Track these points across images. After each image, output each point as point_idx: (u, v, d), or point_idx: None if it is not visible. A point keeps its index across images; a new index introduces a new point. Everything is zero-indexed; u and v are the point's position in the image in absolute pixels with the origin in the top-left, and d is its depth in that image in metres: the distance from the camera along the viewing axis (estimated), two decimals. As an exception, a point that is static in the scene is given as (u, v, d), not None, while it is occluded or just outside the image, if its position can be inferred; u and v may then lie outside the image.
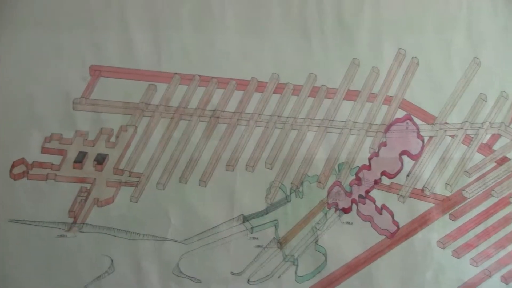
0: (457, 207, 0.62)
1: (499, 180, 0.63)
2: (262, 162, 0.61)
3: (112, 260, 0.60)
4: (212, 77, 0.62)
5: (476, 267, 0.63)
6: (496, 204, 0.63)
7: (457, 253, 0.62)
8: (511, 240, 0.63)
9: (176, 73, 0.61)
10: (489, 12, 0.63)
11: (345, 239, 0.62)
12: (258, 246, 0.61)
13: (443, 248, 0.62)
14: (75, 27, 0.61)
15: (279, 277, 0.61)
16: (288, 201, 0.61)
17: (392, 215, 0.62)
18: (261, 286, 0.62)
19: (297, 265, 0.61)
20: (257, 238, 0.61)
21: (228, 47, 0.62)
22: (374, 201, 0.62)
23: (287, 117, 0.62)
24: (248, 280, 0.61)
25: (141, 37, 0.62)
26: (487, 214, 0.63)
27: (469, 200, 0.63)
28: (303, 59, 0.62)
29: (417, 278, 0.62)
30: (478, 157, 0.63)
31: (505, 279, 0.63)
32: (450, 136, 0.63)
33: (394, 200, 0.62)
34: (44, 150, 0.60)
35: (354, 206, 0.62)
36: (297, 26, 0.62)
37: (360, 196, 0.62)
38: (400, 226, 0.62)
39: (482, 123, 0.63)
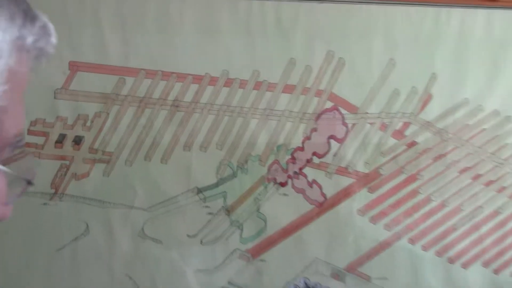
0: (374, 182, 0.82)
1: (408, 160, 0.83)
2: (213, 144, 0.81)
3: (87, 225, 0.79)
4: (172, 73, 0.80)
5: (389, 231, 0.83)
6: (406, 179, 0.83)
7: (374, 220, 0.83)
8: (417, 209, 0.83)
9: (142, 69, 0.80)
10: (403, 20, 0.83)
11: (282, 208, 0.82)
12: (210, 213, 0.81)
13: (362, 216, 0.83)
14: (55, 28, 0.79)
15: (226, 239, 0.81)
16: (235, 176, 0.81)
17: (321, 188, 0.82)
18: (212, 246, 0.81)
19: (241, 229, 0.81)
20: (209, 206, 0.81)
21: (186, 46, 0.81)
22: (306, 177, 0.82)
23: (235, 107, 0.81)
24: (201, 241, 0.81)
25: (113, 37, 0.80)
26: (399, 187, 0.83)
27: (384, 176, 0.83)
28: (249, 58, 0.81)
29: (341, 240, 0.82)
30: (392, 141, 0.83)
31: (411, 241, 0.83)
32: (369, 123, 0.83)
33: (322, 176, 0.82)
34: (30, 132, 0.78)
35: (289, 180, 0.81)
36: (244, 29, 0.81)
37: (295, 172, 0.82)
38: (327, 197, 0.82)
39: (396, 113, 0.83)
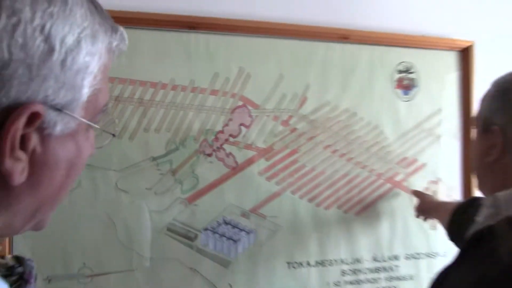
0: (269, 154, 1.36)
1: (291, 140, 1.38)
2: (164, 128, 1.30)
3: (80, 181, 1.27)
4: (137, 80, 1.29)
5: (278, 186, 1.37)
6: (289, 152, 1.37)
7: (269, 179, 1.36)
8: (297, 172, 1.38)
9: (116, 77, 1.28)
10: (290, 49, 1.37)
11: (209, 171, 1.33)
12: (161, 174, 1.31)
13: (261, 176, 1.36)
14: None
15: (172, 191, 1.31)
16: (178, 150, 1.31)
17: (234, 158, 1.34)
18: (162, 195, 1.31)
19: (182, 184, 1.32)
20: (160, 169, 1.30)
21: (145, 63, 1.30)
22: (224, 150, 1.34)
23: (178, 103, 1.31)
24: (155, 192, 1.31)
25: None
26: (285, 158, 1.37)
27: (275, 150, 1.37)
28: (188, 71, 1.31)
29: (247, 191, 1.35)
30: (281, 127, 1.36)
31: (293, 192, 1.38)
32: (266, 116, 1.36)
33: (235, 150, 1.34)
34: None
35: (214, 153, 1.33)
36: (184, 52, 1.31)
37: (217, 147, 1.33)
38: (238, 164, 1.35)
39: (283, 109, 1.37)
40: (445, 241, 1.14)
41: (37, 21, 0.36)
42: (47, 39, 0.36)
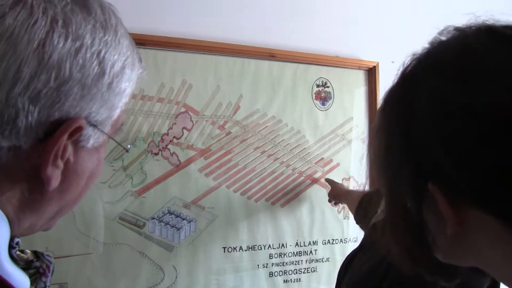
0: (207, 153, 1.87)
1: (226, 142, 1.91)
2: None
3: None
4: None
5: (215, 181, 1.89)
6: (225, 153, 1.86)
7: (207, 175, 1.87)
8: (231, 170, 1.92)
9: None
10: (226, 65, 1.92)
11: (155, 168, 1.81)
12: (114, 169, 1.78)
13: (200, 173, 1.88)
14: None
15: (123, 184, 1.79)
16: (128, 151, 1.81)
17: (178, 157, 1.85)
18: (115, 188, 1.75)
19: (132, 179, 1.81)
20: (113, 165, 1.79)
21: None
22: (169, 150, 1.85)
23: (130, 109, 1.81)
24: (109, 186, 1.78)
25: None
26: (221, 157, 1.90)
27: (213, 150, 1.87)
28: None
29: (188, 185, 1.87)
30: (218, 131, 1.88)
31: (228, 187, 1.89)
32: (205, 121, 1.90)
33: (179, 150, 1.85)
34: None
35: (160, 152, 1.84)
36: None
37: (163, 147, 1.84)
38: (181, 162, 1.86)
39: (220, 115, 1.90)
40: (355, 228, 1.72)
41: (95, 47, 0.47)
42: (101, 63, 0.47)
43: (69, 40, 0.45)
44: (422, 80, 0.48)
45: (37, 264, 0.56)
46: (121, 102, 0.54)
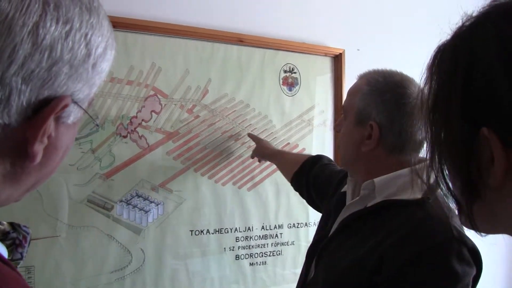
0: (176, 137, 1.95)
1: (195, 125, 1.99)
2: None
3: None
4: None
5: (183, 164, 1.97)
6: (193, 136, 1.96)
7: (175, 158, 1.94)
8: (199, 153, 2.00)
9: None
10: (195, 48, 1.99)
11: (124, 150, 1.87)
12: (82, 152, 1.83)
13: (169, 156, 1.94)
14: None
15: (92, 167, 1.84)
16: (97, 131, 1.86)
17: (146, 140, 1.91)
18: (83, 171, 1.80)
19: (101, 161, 1.86)
20: (82, 148, 1.84)
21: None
22: (138, 133, 1.91)
23: (99, 91, 1.87)
24: (77, 168, 1.83)
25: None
26: (189, 140, 1.97)
27: (181, 133, 1.95)
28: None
29: (155, 167, 1.95)
30: (186, 115, 1.95)
31: (195, 170, 1.98)
32: (174, 104, 1.97)
33: (147, 133, 1.92)
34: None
35: (129, 135, 1.89)
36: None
37: (132, 130, 1.90)
38: (150, 145, 1.92)
39: (188, 99, 1.98)
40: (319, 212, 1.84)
41: (83, 30, 0.50)
42: (87, 45, 0.51)
43: (60, 23, 0.49)
44: (489, 26, 0.47)
45: (14, 235, 0.60)
46: (100, 80, 0.58)
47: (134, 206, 1.80)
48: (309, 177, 1.59)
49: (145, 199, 1.79)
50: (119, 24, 1.77)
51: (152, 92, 1.83)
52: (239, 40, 1.97)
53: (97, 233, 1.76)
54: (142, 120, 1.81)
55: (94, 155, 1.76)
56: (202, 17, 1.92)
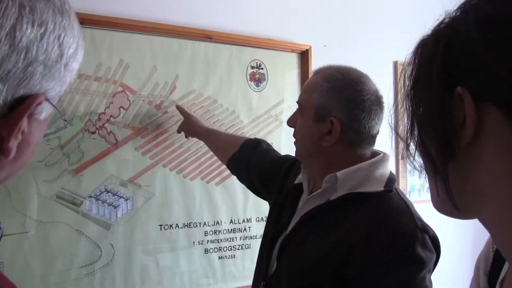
0: (144, 132, 1.98)
1: (163, 121, 2.04)
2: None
3: None
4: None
5: (152, 160, 2.02)
6: (161, 132, 2.01)
7: (143, 154, 1.96)
8: (167, 148, 2.06)
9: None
10: (162, 45, 2.04)
11: (92, 146, 1.89)
12: (51, 148, 1.86)
13: (137, 151, 1.98)
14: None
15: (60, 163, 1.86)
16: (66, 127, 1.89)
17: (115, 136, 1.95)
18: (52, 167, 1.81)
19: (69, 158, 1.89)
20: (50, 144, 1.87)
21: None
22: (106, 129, 1.94)
23: (71, 88, 1.90)
24: (46, 164, 1.85)
25: None
26: (157, 136, 2.02)
27: (149, 129, 1.97)
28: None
29: (126, 165, 1.98)
30: (154, 110, 1.98)
31: (164, 165, 2.04)
32: (142, 100, 2.01)
33: (116, 129, 1.95)
34: None
35: (97, 131, 1.93)
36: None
37: (100, 126, 1.93)
38: (118, 141, 1.96)
39: (157, 95, 2.01)
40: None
41: (56, 32, 0.53)
42: (60, 46, 0.54)
43: (36, 25, 0.51)
44: (469, 9, 0.53)
45: None
46: (71, 78, 0.60)
47: (103, 202, 1.84)
48: (250, 161, 1.61)
49: (114, 194, 1.84)
50: (87, 20, 1.80)
51: (120, 88, 1.87)
52: (206, 36, 2.02)
53: (66, 228, 1.79)
54: (111, 116, 1.85)
55: (62, 151, 1.79)
56: (169, 14, 1.97)
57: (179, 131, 1.90)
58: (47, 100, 0.56)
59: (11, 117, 0.52)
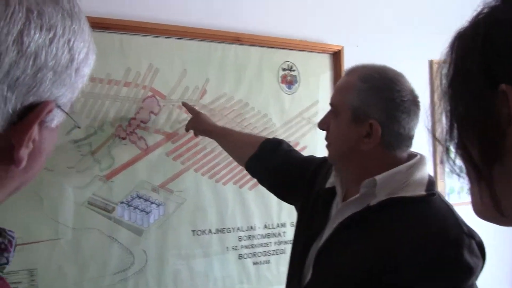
0: (175, 137, 1.98)
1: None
2: (84, 114, 1.89)
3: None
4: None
5: (183, 165, 2.02)
6: (192, 136, 2.02)
7: (175, 159, 1.96)
8: (199, 153, 2.03)
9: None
10: (192, 49, 2.03)
11: (123, 152, 1.89)
12: (82, 154, 1.87)
13: (168, 156, 1.98)
14: None
15: (91, 169, 1.84)
16: (96, 134, 1.89)
17: (145, 141, 1.95)
18: (83, 173, 1.83)
19: (100, 163, 1.89)
20: (81, 150, 1.88)
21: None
22: (137, 134, 1.94)
23: (96, 93, 1.90)
24: (77, 171, 1.87)
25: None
26: (188, 141, 1.98)
27: (180, 134, 1.98)
28: (103, 66, 1.92)
29: (156, 169, 1.96)
30: (184, 115, 1.98)
31: (196, 170, 2.02)
32: (172, 105, 2.00)
33: (146, 134, 1.94)
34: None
35: (128, 136, 1.93)
36: (100, 51, 1.92)
37: (130, 132, 1.94)
38: (149, 146, 1.96)
39: (186, 99, 2.02)
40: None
41: (66, 36, 0.52)
42: (70, 50, 0.52)
43: (44, 30, 0.49)
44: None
45: None
46: (82, 84, 0.59)
47: (135, 208, 1.83)
48: (270, 162, 1.55)
49: (146, 200, 1.82)
50: (114, 26, 1.80)
51: (150, 93, 1.86)
52: (236, 39, 2.00)
53: (98, 235, 1.78)
54: (141, 121, 1.84)
55: (93, 157, 1.79)
56: (198, 17, 1.95)
57: (187, 129, 1.83)
58: (59, 107, 0.55)
59: (21, 125, 0.51)
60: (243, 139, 1.72)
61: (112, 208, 1.79)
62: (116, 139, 1.83)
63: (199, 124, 1.79)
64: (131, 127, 1.83)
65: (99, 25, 1.78)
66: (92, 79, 1.75)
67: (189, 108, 1.81)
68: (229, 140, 1.73)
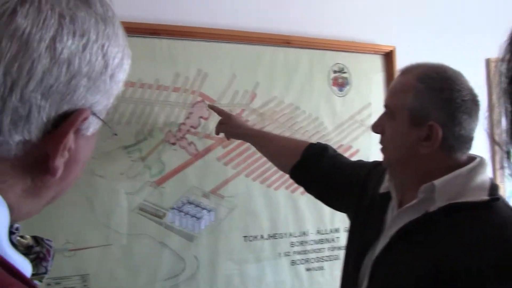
0: (225, 142, 1.96)
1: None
2: (134, 120, 1.89)
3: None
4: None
5: (234, 169, 1.97)
6: (242, 143, 2.01)
7: (226, 163, 1.92)
8: (250, 157, 2.00)
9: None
10: (241, 53, 2.01)
11: (173, 157, 1.88)
12: (132, 160, 1.85)
13: (219, 161, 1.95)
14: None
15: (142, 175, 1.83)
16: (146, 139, 1.88)
17: (195, 146, 1.94)
18: (134, 179, 1.81)
19: (150, 169, 1.88)
20: (131, 156, 1.86)
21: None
22: (186, 139, 1.93)
23: (148, 99, 1.90)
24: (127, 176, 1.87)
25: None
26: (239, 145, 1.92)
27: (231, 139, 1.99)
28: (153, 71, 1.91)
29: (207, 174, 1.93)
30: (234, 119, 2.00)
31: (247, 175, 1.97)
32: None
33: (196, 139, 1.93)
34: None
35: (177, 142, 1.92)
36: (151, 55, 1.92)
37: (180, 137, 1.92)
38: (199, 151, 1.94)
39: (236, 104, 1.96)
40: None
41: (99, 41, 0.51)
42: (104, 56, 0.51)
43: (77, 36, 0.49)
44: None
45: (37, 249, 0.60)
46: (118, 90, 0.58)
47: (186, 213, 1.81)
48: (317, 169, 1.48)
49: (196, 205, 1.81)
50: (162, 31, 1.80)
51: (199, 98, 1.84)
52: (286, 42, 1.96)
53: (149, 240, 1.77)
54: (191, 126, 1.83)
55: (143, 163, 1.78)
56: (246, 21, 1.93)
57: (217, 133, 1.75)
58: (94, 114, 0.54)
59: (55, 134, 0.50)
60: (283, 144, 1.64)
61: (163, 214, 1.78)
62: (166, 145, 1.82)
63: (232, 127, 1.71)
64: (181, 133, 1.81)
65: (148, 31, 1.77)
66: (141, 85, 1.76)
67: (218, 111, 1.73)
68: (267, 145, 1.65)
